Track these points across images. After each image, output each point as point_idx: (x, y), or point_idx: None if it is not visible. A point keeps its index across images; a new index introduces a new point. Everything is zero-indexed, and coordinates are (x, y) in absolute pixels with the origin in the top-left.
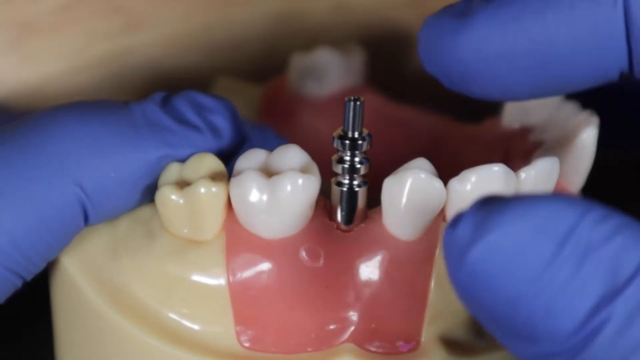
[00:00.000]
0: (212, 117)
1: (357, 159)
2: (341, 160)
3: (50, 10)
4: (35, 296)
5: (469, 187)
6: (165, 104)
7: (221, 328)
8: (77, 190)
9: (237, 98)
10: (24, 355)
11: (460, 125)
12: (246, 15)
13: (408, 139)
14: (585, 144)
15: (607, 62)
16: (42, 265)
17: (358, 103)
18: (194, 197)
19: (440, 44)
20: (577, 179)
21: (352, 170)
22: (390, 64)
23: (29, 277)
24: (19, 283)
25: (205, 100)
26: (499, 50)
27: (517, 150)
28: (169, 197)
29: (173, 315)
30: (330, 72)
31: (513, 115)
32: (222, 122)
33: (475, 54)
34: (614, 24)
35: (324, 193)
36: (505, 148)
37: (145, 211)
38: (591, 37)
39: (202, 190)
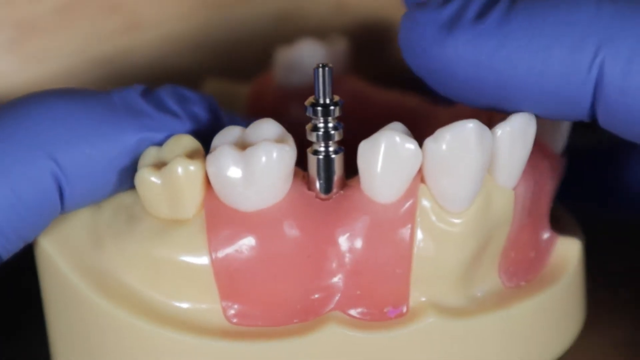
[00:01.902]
0: (192, 107)
1: (330, 125)
2: (315, 128)
3: (50, 10)
4: (30, 286)
5: (444, 146)
6: (146, 93)
7: (208, 305)
8: (51, 164)
9: (225, 99)
10: (20, 346)
11: (444, 106)
12: (246, 15)
13: (392, 119)
14: None
15: (569, 116)
16: (18, 244)
17: (327, 69)
18: (171, 177)
19: (424, 49)
20: (558, 138)
21: (327, 137)
22: (390, 64)
23: (5, 255)
24: None
25: (186, 92)
26: (470, 72)
27: (498, 119)
28: (147, 178)
29: (159, 296)
30: (313, 63)
31: None
32: (201, 112)
33: (454, 63)
34: (583, 90)
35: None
36: (488, 118)
37: (127, 197)
38: (558, 92)
39: (179, 169)
